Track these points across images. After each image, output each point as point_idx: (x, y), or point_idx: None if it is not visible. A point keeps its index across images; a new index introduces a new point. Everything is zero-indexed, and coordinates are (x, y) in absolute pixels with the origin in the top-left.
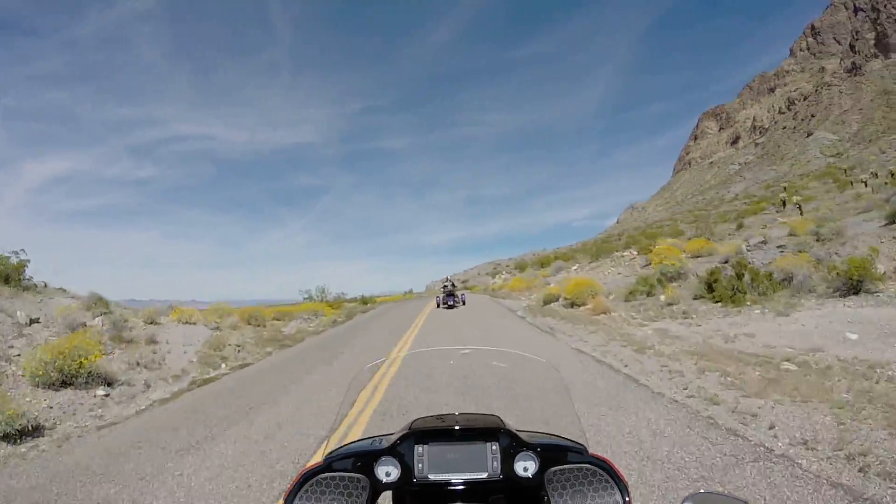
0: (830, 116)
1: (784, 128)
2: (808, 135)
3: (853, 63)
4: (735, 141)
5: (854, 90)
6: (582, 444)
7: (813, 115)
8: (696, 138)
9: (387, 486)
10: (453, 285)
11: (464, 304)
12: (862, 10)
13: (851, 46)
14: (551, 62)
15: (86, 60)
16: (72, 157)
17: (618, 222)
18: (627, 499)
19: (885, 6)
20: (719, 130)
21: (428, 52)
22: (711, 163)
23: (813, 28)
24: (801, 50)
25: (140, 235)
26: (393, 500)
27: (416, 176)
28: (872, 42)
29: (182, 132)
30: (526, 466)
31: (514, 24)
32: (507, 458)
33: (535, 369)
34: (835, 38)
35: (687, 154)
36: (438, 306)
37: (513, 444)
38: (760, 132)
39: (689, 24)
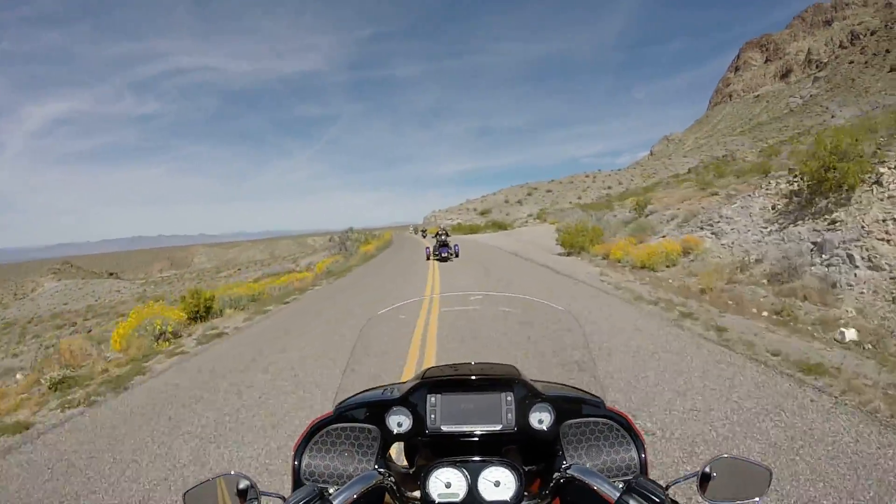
0: None
1: (851, 62)
2: (892, 69)
3: None
4: (786, 74)
5: None
6: (599, 398)
7: (888, 51)
8: (736, 69)
9: (398, 437)
10: (447, 234)
11: (457, 255)
12: None
13: None
14: None
15: None
16: (72, 98)
17: (651, 154)
18: (643, 455)
19: None
20: (765, 62)
21: None
22: (758, 96)
23: None
24: None
25: (146, 173)
26: (405, 451)
27: (427, 105)
28: None
29: (184, 65)
30: (541, 418)
31: None
32: (522, 410)
33: (553, 318)
34: None
35: (726, 86)
36: (428, 258)
37: (528, 396)
38: (818, 66)
39: None
